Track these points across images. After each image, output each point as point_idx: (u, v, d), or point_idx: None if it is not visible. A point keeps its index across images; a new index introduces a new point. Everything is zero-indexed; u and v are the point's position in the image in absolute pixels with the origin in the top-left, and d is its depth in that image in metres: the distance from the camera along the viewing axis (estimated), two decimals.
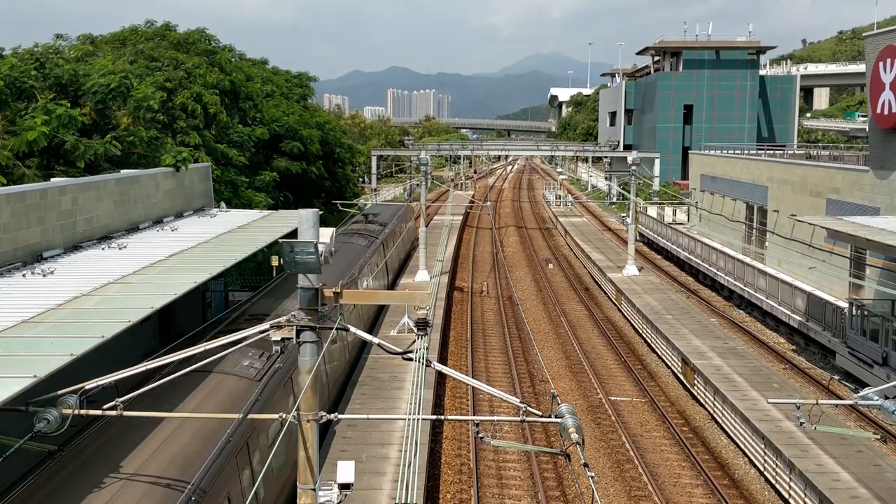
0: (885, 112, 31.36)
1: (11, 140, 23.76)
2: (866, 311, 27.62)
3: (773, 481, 19.96)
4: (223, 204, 29.28)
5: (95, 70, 28.19)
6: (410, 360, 9.78)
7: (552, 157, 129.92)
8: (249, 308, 19.90)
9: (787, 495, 19.14)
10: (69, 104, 25.37)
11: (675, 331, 31.37)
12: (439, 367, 10.34)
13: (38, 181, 21.81)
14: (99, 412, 9.11)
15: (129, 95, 28.19)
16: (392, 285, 39.19)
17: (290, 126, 45.74)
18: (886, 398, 11.38)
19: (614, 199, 79.21)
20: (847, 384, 26.79)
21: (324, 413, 9.39)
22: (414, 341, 13.16)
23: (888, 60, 31.37)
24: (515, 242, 63.46)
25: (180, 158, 26.67)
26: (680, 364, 28.67)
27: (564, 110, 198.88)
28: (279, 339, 8.90)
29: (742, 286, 38.69)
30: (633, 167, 44.15)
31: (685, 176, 74.85)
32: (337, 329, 9.24)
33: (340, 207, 45.36)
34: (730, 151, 59.02)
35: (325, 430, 19.95)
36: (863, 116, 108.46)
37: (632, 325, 36.54)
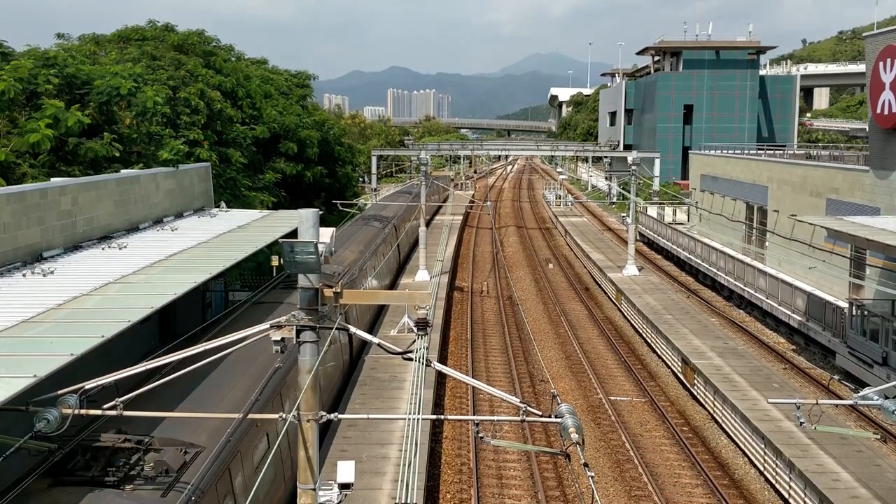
0: (886, 112, 31.35)
1: (14, 140, 23.80)
2: (866, 311, 27.61)
3: (773, 481, 19.97)
4: (223, 204, 29.27)
5: (108, 72, 28.19)
6: (410, 359, 9.79)
7: (552, 157, 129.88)
8: None
9: (786, 495, 19.14)
10: (74, 104, 25.42)
11: (675, 331, 31.36)
12: (439, 366, 10.34)
13: (41, 180, 21.83)
14: (99, 412, 9.12)
15: (132, 98, 28.21)
16: (392, 285, 39.19)
17: (288, 126, 45.72)
18: (886, 398, 11.38)
19: (614, 199, 79.22)
20: (847, 384, 26.79)
21: (324, 413, 9.39)
22: (414, 341, 13.16)
23: (888, 60, 31.36)
24: (515, 242, 63.46)
25: (176, 152, 26.64)
26: (680, 364, 28.67)
27: (564, 110, 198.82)
28: (279, 338, 8.91)
29: (742, 286, 38.69)
30: (634, 167, 44.15)
31: (685, 176, 74.83)
32: (337, 329, 9.24)
33: (341, 207, 45.33)
34: (730, 151, 59.00)
35: (326, 430, 19.96)
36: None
37: (632, 324, 36.54)
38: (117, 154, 26.17)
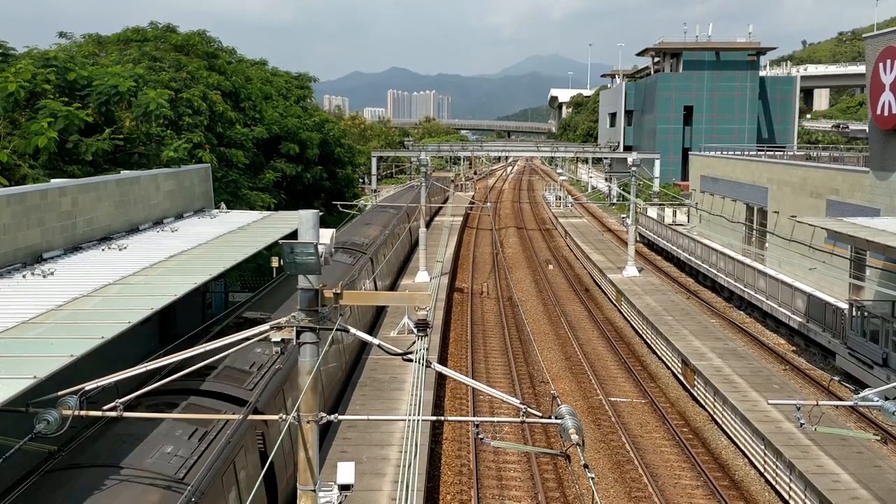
0: (886, 113, 31.35)
1: (16, 140, 23.80)
2: (866, 313, 27.61)
3: (774, 482, 19.96)
4: (223, 205, 29.27)
5: (108, 73, 28.21)
6: (410, 361, 9.78)
7: (552, 158, 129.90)
8: None
9: (787, 496, 19.14)
10: (76, 105, 25.44)
11: (675, 332, 31.36)
12: (439, 367, 10.34)
13: (42, 181, 21.83)
14: (99, 413, 9.11)
15: (133, 98, 28.21)
16: (392, 286, 39.18)
17: (289, 128, 45.79)
18: (886, 399, 11.38)
19: (614, 200, 79.17)
20: (847, 385, 26.76)
21: (324, 414, 9.39)
22: (414, 342, 13.14)
23: (888, 61, 31.37)
24: (515, 243, 63.45)
25: (181, 152, 26.66)
26: (680, 365, 28.66)
27: (564, 111, 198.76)
28: (279, 339, 8.91)
29: (742, 287, 38.69)
30: (633, 168, 44.16)
31: (685, 177, 74.81)
32: (337, 330, 9.24)
33: (340, 208, 45.36)
34: (730, 152, 59.00)
35: (325, 431, 19.95)
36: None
37: (632, 325, 36.54)
38: (120, 143, 26.17)
